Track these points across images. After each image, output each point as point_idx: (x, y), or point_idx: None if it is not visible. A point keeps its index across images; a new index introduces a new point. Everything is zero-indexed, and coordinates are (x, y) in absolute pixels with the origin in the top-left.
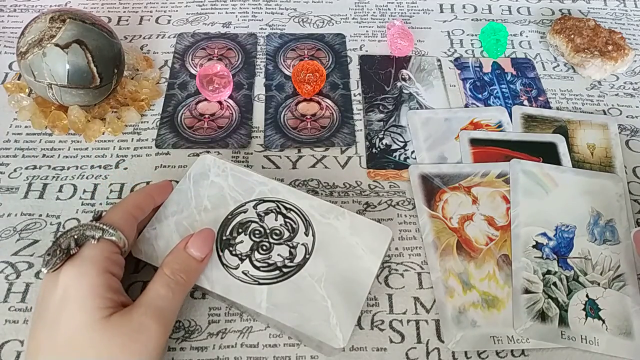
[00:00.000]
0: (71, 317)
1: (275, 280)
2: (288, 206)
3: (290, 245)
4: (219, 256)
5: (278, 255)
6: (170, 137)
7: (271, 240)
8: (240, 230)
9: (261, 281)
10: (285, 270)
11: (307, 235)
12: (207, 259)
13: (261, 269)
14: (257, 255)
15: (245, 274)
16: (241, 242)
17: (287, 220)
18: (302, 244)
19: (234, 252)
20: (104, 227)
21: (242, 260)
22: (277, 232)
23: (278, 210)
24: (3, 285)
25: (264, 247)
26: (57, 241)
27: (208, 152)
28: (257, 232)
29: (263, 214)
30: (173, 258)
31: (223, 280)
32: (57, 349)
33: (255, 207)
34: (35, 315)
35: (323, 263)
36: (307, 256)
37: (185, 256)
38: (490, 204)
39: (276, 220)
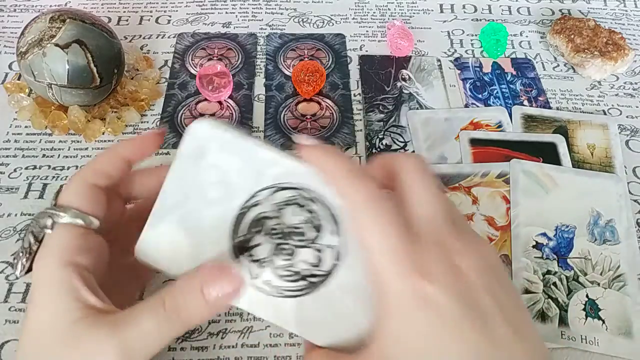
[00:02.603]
0: (36, 318)
1: (301, 293)
2: (309, 196)
3: (315, 248)
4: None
5: (302, 262)
6: (170, 137)
7: (292, 242)
8: (254, 229)
9: (286, 293)
10: (312, 280)
11: (336, 234)
12: (217, 308)
13: (284, 278)
14: (278, 262)
15: (267, 285)
16: (258, 244)
17: (309, 214)
18: (329, 247)
19: (253, 259)
20: (52, 211)
21: (262, 267)
22: (298, 230)
23: (297, 201)
24: (3, 285)
25: (286, 251)
26: (21, 240)
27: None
28: (274, 231)
29: (279, 208)
30: (180, 291)
31: (244, 292)
32: (25, 353)
33: (268, 197)
34: None
35: (356, 271)
36: (336, 262)
37: (198, 297)
38: (490, 204)
39: (296, 214)
